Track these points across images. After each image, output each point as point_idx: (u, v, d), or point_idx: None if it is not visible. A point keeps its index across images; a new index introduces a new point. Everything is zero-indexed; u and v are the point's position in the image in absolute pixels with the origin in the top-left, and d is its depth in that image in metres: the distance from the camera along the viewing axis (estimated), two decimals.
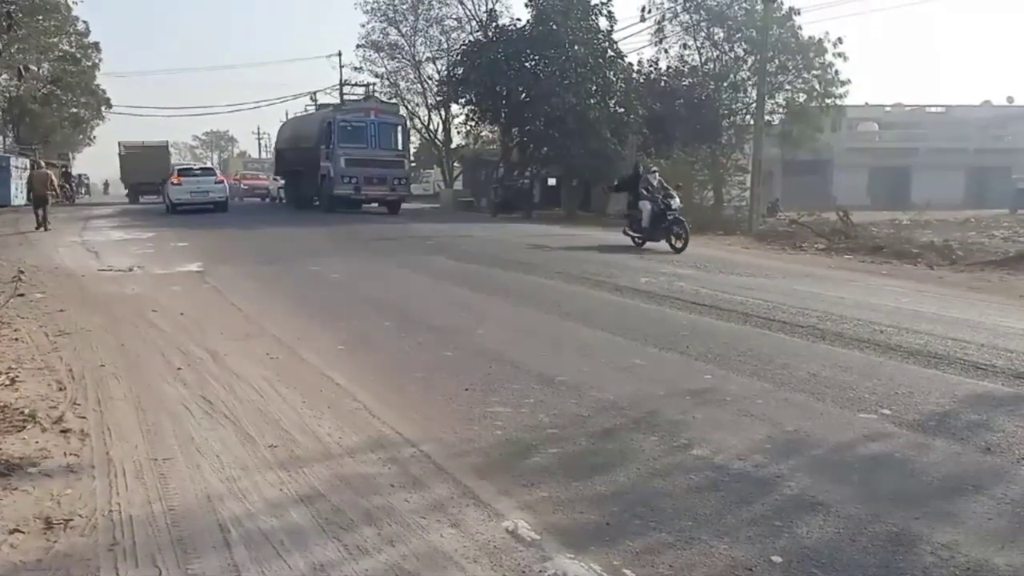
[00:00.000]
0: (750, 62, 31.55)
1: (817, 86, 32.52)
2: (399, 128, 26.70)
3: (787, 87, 32.92)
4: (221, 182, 27.70)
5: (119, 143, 39.88)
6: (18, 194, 29.15)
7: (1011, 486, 3.62)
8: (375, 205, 26.60)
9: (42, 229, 17.80)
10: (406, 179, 26.36)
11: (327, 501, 3.43)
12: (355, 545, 3.03)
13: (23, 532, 3.06)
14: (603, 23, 28.10)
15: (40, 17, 36.08)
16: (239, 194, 41.87)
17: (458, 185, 39.61)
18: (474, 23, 35.16)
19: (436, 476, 3.71)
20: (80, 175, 51.56)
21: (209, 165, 38.20)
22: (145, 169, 35.76)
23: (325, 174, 25.08)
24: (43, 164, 24.49)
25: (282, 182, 36.37)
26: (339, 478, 3.69)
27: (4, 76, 32.16)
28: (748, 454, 3.99)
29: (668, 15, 32.21)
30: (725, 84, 32.06)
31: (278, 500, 3.44)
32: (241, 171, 54.95)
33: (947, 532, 3.15)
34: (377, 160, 25.00)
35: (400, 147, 26.39)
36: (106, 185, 64.93)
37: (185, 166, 32.20)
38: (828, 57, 31.97)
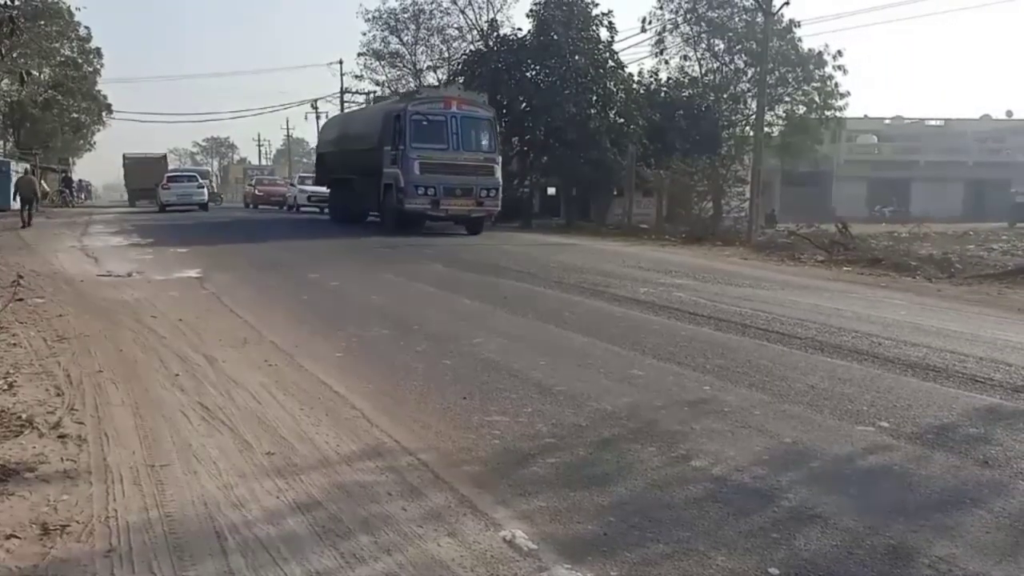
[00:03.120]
0: (750, 74, 31.71)
1: (817, 98, 32.69)
2: (488, 124, 20.16)
3: (787, 99, 33.08)
4: (203, 187, 34.66)
5: (124, 155, 47.54)
6: (18, 198, 29.36)
7: (1009, 500, 3.62)
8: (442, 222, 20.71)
9: (27, 226, 21.51)
10: (496, 189, 19.63)
11: (324, 509, 3.42)
12: (352, 553, 3.02)
13: (19, 538, 3.05)
14: (604, 34, 28.24)
15: (42, 22, 36.24)
16: (254, 201, 40.35)
17: None
18: (475, 33, 35.28)
19: (433, 485, 3.70)
20: (80, 180, 51.65)
21: (194, 173, 40.81)
22: (145, 177, 40.51)
23: (391, 183, 19.14)
24: (30, 171, 29.13)
25: (301, 189, 34.15)
26: (336, 486, 3.68)
27: (5, 81, 32.21)
28: (746, 466, 3.98)
29: (669, 26, 32.42)
30: (725, 95, 32.21)
31: (275, 507, 3.43)
32: (256, 177, 51.71)
33: (945, 545, 3.15)
34: (461, 165, 19.06)
35: (489, 147, 19.93)
36: (102, 189, 66.75)
37: (174, 173, 37.71)
38: (828, 70, 32.15)
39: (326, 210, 31.43)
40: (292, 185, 35.97)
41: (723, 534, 3.24)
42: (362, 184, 21.48)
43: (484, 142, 19.94)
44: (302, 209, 31.98)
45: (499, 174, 19.90)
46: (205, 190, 34.91)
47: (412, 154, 18.70)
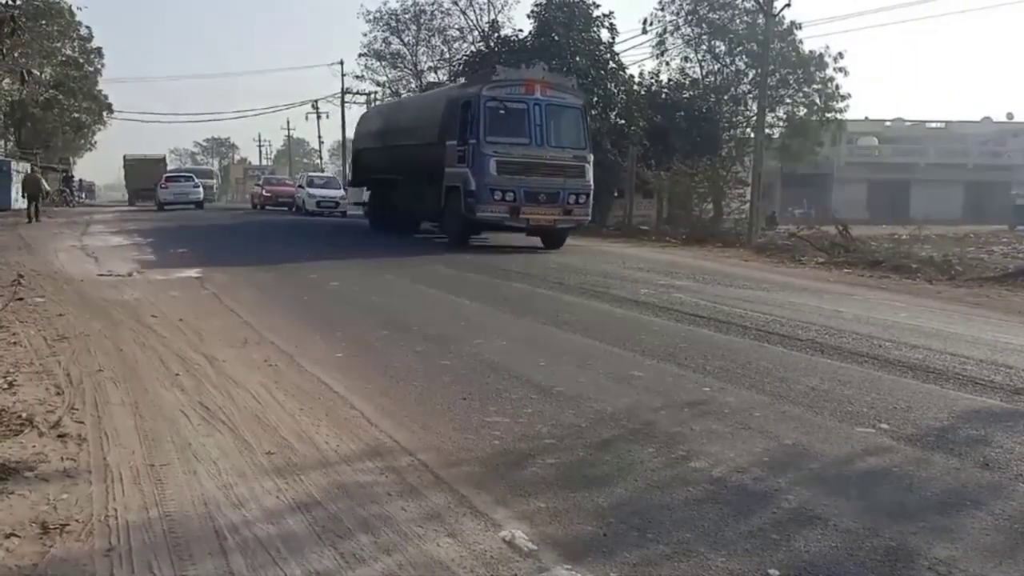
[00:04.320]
0: (751, 75, 31.75)
1: (817, 100, 32.75)
2: (578, 114, 16.43)
3: (788, 101, 33.12)
4: (198, 186, 35.88)
5: (124, 156, 48.84)
6: (19, 198, 29.52)
7: (1009, 502, 3.62)
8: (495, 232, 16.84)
9: (33, 221, 22.36)
10: (587, 195, 16.03)
11: (324, 509, 3.42)
12: (351, 553, 3.02)
13: (19, 536, 3.05)
14: (605, 35, 28.23)
15: (44, 22, 36.25)
16: (261, 202, 38.59)
17: None
18: (476, 34, 35.33)
19: (433, 485, 3.70)
20: (81, 180, 51.78)
21: (191, 173, 41.47)
22: (145, 177, 41.54)
23: (456, 186, 15.64)
24: (34, 169, 29.93)
25: (309, 192, 31.91)
26: (336, 486, 3.68)
27: (6, 80, 32.22)
28: (746, 467, 3.98)
29: (670, 28, 32.48)
30: (726, 97, 32.24)
31: (275, 507, 3.43)
32: (264, 177, 49.71)
33: (945, 547, 3.15)
34: (546, 164, 15.49)
35: (580, 143, 16.22)
36: (102, 189, 67.84)
37: (171, 174, 39.13)
38: (829, 71, 32.18)
39: (331, 213, 30.06)
40: (300, 187, 34.03)
41: (723, 535, 3.24)
42: (414, 187, 17.90)
43: (573, 136, 16.25)
44: (311, 213, 30.37)
45: (591, 176, 16.16)
46: (201, 190, 35.94)
47: (487, 150, 15.09)
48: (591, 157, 16.33)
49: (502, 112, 15.49)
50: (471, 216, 15.42)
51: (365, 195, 23.65)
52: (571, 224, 16.22)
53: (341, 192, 32.34)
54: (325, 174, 44.68)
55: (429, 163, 16.59)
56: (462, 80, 19.37)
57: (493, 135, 15.27)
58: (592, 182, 16.28)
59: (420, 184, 17.33)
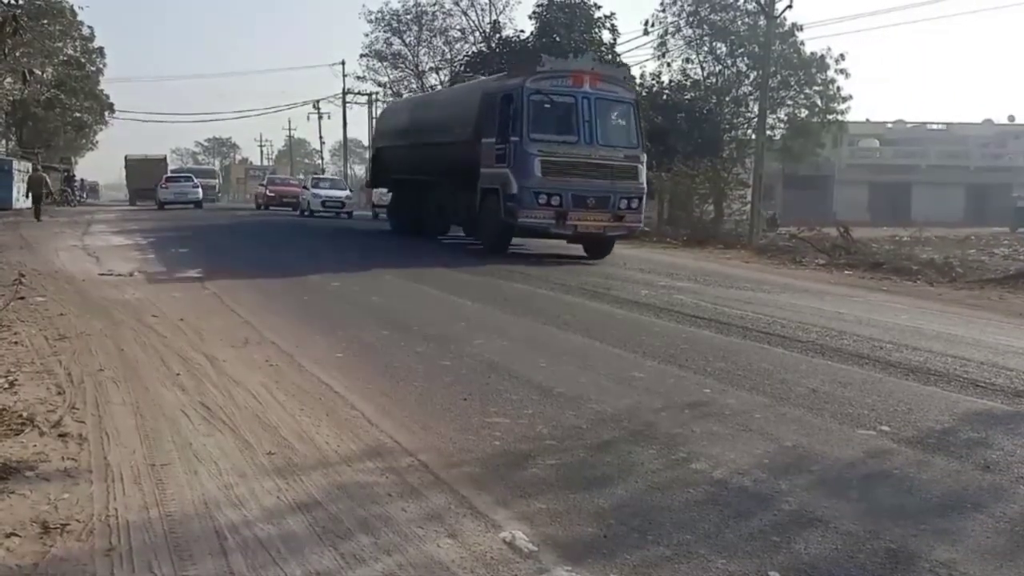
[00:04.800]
0: (752, 77, 31.75)
1: (819, 102, 32.75)
2: (631, 109, 15.01)
3: (789, 102, 33.11)
4: (197, 186, 36.61)
5: (126, 156, 49.49)
6: (20, 197, 29.57)
7: (1010, 505, 3.61)
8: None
9: (38, 220, 22.99)
10: (640, 199, 14.51)
11: (324, 509, 3.42)
12: (352, 554, 3.02)
13: (19, 536, 3.05)
14: (606, 36, 28.32)
15: (45, 21, 36.28)
16: (265, 202, 37.62)
17: None
18: (478, 34, 35.40)
19: (434, 486, 3.70)
20: (82, 179, 51.88)
21: (190, 174, 42.29)
22: (146, 177, 42.16)
23: (494, 188, 14.12)
24: (40, 168, 30.36)
25: (315, 193, 30.62)
26: (336, 486, 3.68)
27: (8, 80, 32.26)
28: (747, 469, 3.98)
29: (671, 29, 32.46)
30: (727, 98, 32.25)
31: (275, 507, 3.43)
32: (268, 176, 48.46)
33: (946, 550, 3.15)
34: (596, 165, 13.90)
35: (632, 141, 14.72)
36: (104, 188, 68.73)
37: (171, 174, 40.06)
38: (830, 73, 32.18)
39: (337, 214, 28.82)
40: (305, 188, 32.76)
41: (723, 537, 3.24)
42: (444, 188, 16.66)
43: (625, 133, 14.83)
44: (316, 214, 29.33)
45: (644, 178, 14.64)
46: (200, 190, 36.84)
47: (531, 148, 13.53)
48: (644, 157, 14.76)
49: (547, 106, 13.95)
50: (511, 221, 13.89)
51: (379, 196, 22.95)
52: (622, 231, 14.55)
53: (347, 192, 32.13)
54: (330, 175, 44.46)
55: (462, 163, 15.12)
56: (499, 74, 17.40)
57: (537, 132, 13.69)
58: (645, 185, 14.74)
59: (451, 186, 16.14)
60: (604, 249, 14.71)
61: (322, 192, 30.75)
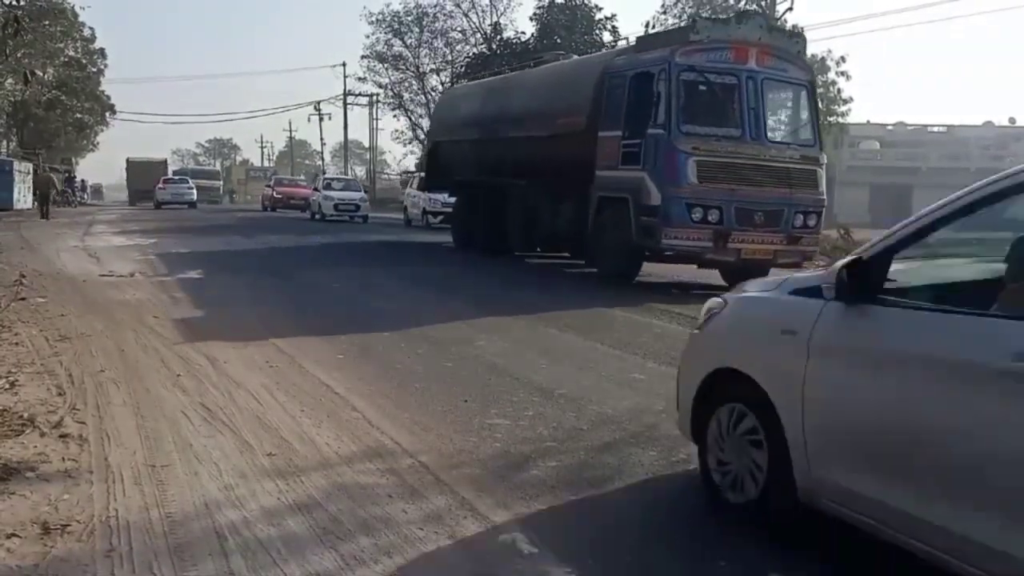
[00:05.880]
0: None
1: (819, 104, 32.69)
2: (806, 94, 11.42)
3: None
4: (192, 188, 39.41)
5: (127, 158, 51.20)
6: (21, 197, 29.57)
7: None
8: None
9: (45, 219, 23.86)
10: (819, 215, 11.02)
11: (324, 510, 3.43)
12: (352, 555, 3.02)
13: (20, 537, 3.05)
14: (607, 38, 28.30)
15: (47, 22, 36.28)
16: (272, 203, 36.31)
17: None
18: (478, 36, 35.44)
19: (434, 487, 3.70)
20: (83, 180, 51.96)
21: (186, 176, 45.40)
22: (146, 179, 43.67)
23: (622, 197, 10.81)
24: (47, 169, 31.68)
25: (326, 195, 27.97)
26: (337, 487, 3.68)
27: (9, 81, 32.28)
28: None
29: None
30: None
31: (275, 508, 3.44)
32: (276, 177, 47.41)
33: None
34: (765, 167, 10.55)
35: (810, 138, 11.37)
36: (104, 189, 69.89)
37: (168, 177, 42.42)
38: (831, 75, 32.15)
39: (351, 218, 26.14)
40: (316, 190, 30.30)
41: (724, 539, 3.24)
42: (532, 195, 13.28)
43: (799, 126, 11.52)
44: (328, 218, 27.20)
45: (824, 186, 11.11)
46: (195, 191, 39.53)
47: (682, 144, 10.11)
48: (824, 158, 11.29)
49: (703, 88, 10.69)
50: (649, 243, 10.49)
51: (426, 201, 20.14)
52: (795, 259, 10.65)
53: (361, 194, 29.88)
54: (344, 176, 43.83)
55: (565, 163, 11.88)
56: (619, 46, 13.99)
57: (690, 123, 10.35)
58: (825, 194, 11.18)
59: (547, 192, 12.80)
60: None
61: (335, 194, 28.53)
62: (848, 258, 2.97)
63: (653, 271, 11.90)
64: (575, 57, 16.00)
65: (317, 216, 28.10)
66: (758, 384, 3.16)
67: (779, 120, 11.58)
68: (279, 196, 36.19)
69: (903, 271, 3.03)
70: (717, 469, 3.44)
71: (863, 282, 2.84)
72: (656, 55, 10.82)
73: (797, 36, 11.21)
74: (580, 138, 11.43)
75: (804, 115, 11.43)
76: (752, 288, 3.74)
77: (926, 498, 2.54)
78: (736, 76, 10.46)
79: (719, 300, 3.74)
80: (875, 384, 2.74)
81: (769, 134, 10.80)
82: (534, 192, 13.19)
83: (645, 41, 12.62)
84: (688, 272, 11.71)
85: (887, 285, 2.87)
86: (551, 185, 12.60)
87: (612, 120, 11.10)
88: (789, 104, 11.59)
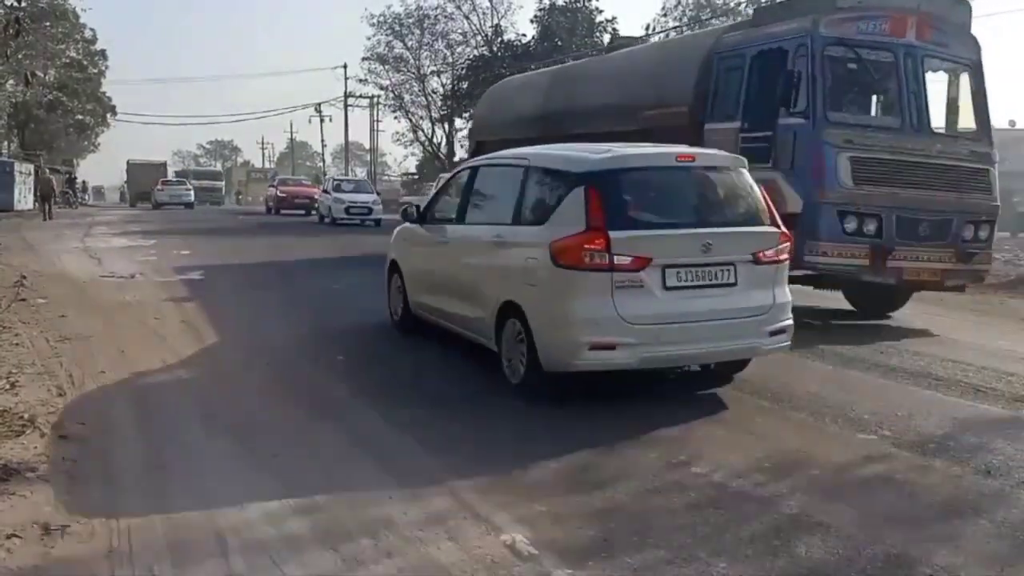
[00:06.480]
0: None
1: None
2: (974, 76, 9.06)
3: None
4: (190, 189, 41.28)
5: (127, 161, 51.66)
6: (21, 199, 29.60)
7: (1011, 510, 3.61)
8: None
9: (47, 219, 24.10)
10: (992, 224, 8.99)
11: (325, 511, 3.43)
12: (352, 557, 3.02)
13: (20, 538, 3.05)
14: (607, 40, 28.30)
15: (48, 23, 36.31)
16: (276, 205, 34.11)
17: None
18: (479, 38, 35.43)
19: (434, 488, 3.70)
20: (84, 181, 52.11)
21: (183, 178, 46.51)
22: (146, 181, 44.11)
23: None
24: (48, 171, 31.71)
25: (337, 198, 25.66)
26: (337, 488, 3.68)
27: (11, 82, 32.33)
28: (747, 472, 3.98)
29: (673, 33, 32.46)
30: None
31: (276, 510, 3.44)
32: (280, 177, 44.79)
33: (946, 555, 3.14)
34: (931, 166, 8.35)
35: (979, 129, 9.21)
36: (105, 190, 70.62)
37: (166, 179, 43.87)
38: None
39: (363, 221, 24.07)
40: (325, 192, 28.05)
41: (724, 541, 3.23)
42: None
43: (966, 115, 9.34)
44: (339, 222, 24.91)
45: (997, 189, 9.16)
46: (192, 193, 41.00)
47: (830, 136, 8.08)
48: (996, 155, 9.29)
49: (852, 67, 8.71)
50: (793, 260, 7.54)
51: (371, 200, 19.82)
52: (963, 280, 8.83)
53: (374, 196, 27.40)
54: (355, 177, 42.90)
55: None
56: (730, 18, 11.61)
57: (837, 109, 8.46)
58: (999, 199, 9.26)
59: None
60: (893, 303, 9.16)
61: (346, 196, 26.11)
62: (415, 207, 7.23)
63: None
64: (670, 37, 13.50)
65: (326, 220, 25.91)
66: (396, 261, 7.45)
67: (944, 107, 9.26)
68: (283, 196, 34.13)
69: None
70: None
71: (420, 216, 6.93)
72: (792, 26, 8.59)
73: (962, 2, 9.08)
74: (678, 132, 8.98)
75: (971, 102, 9.12)
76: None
77: (444, 301, 6.34)
78: (892, 52, 8.40)
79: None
80: (420, 253, 6.96)
81: (934, 125, 8.73)
82: None
83: (768, 12, 10.19)
84: (801, 293, 7.60)
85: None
86: None
87: (725, 109, 9.11)
88: (954, 88, 9.25)
